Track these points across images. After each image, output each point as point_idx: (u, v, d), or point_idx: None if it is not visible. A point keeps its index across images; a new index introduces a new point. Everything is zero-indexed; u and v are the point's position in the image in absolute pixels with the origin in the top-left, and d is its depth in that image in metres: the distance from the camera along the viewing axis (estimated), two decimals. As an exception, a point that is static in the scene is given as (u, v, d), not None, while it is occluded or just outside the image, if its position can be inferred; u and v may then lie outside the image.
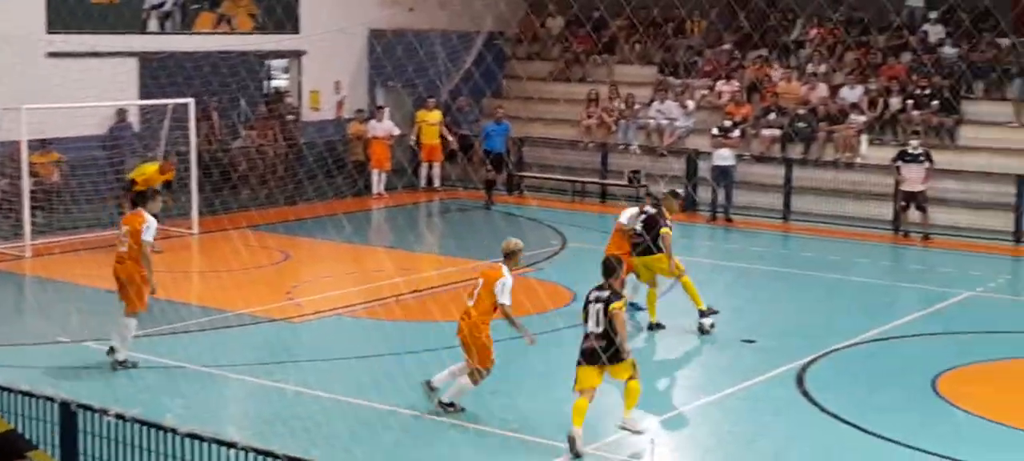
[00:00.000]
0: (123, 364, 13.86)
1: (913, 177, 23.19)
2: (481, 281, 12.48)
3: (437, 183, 28.50)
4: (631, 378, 11.85)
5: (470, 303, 12.42)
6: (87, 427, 8.94)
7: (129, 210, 19.94)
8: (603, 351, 11.54)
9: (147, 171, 20.77)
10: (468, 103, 29.36)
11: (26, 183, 20.82)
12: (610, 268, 12.00)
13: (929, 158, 23.26)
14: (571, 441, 11.35)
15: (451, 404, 12.43)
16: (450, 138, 28.40)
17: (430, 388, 12.50)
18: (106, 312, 16.69)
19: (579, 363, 11.61)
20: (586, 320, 11.70)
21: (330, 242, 21.06)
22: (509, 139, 27.81)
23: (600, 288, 11.84)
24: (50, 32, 23.44)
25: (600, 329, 11.55)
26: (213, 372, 13.86)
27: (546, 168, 28.15)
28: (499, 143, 27.33)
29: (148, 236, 14.14)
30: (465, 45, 29.23)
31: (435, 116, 28.26)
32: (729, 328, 15.84)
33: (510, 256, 12.68)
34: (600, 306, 11.62)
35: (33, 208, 21.20)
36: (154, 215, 14.35)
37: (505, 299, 12.35)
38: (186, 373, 13.80)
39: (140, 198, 14.74)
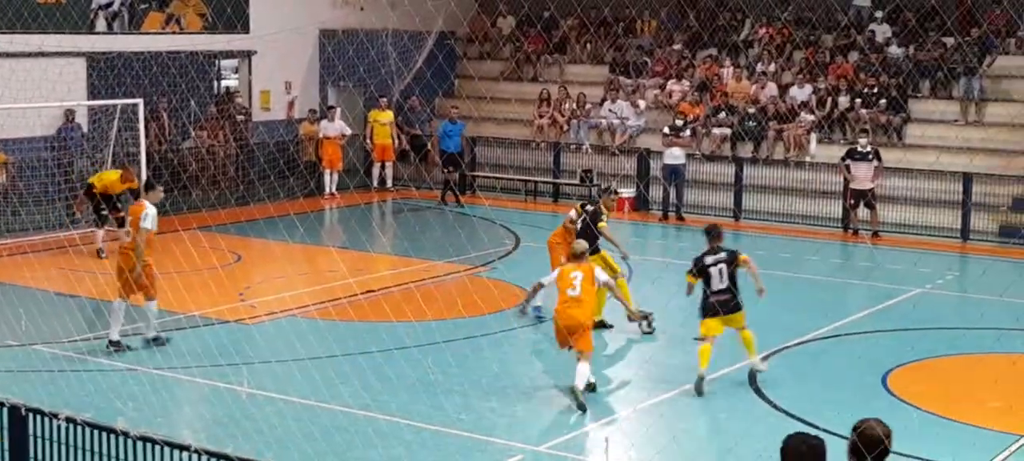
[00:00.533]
0: (158, 341, 14.71)
1: (862, 175, 23.40)
2: (580, 274, 13.20)
3: (389, 183, 28.46)
4: (744, 328, 13.64)
5: (574, 294, 13.04)
6: (38, 431, 8.86)
7: (84, 213, 19.90)
8: (725, 305, 13.44)
9: (107, 178, 20.56)
10: (420, 103, 29.33)
11: (-26, 186, 20.58)
12: (716, 233, 13.96)
13: (878, 156, 23.48)
14: (699, 380, 13.16)
15: (591, 386, 13.10)
16: (400, 139, 28.37)
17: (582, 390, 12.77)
18: (55, 315, 16.54)
19: (705, 317, 13.51)
20: (706, 280, 13.50)
21: (282, 243, 20.91)
22: (464, 138, 27.82)
23: (713, 252, 13.73)
24: (-4, 32, 23.19)
25: (724, 285, 13.41)
26: (165, 374, 13.76)
27: (499, 168, 28.18)
28: (455, 143, 27.32)
29: (146, 224, 14.61)
30: (416, 45, 29.19)
31: (387, 116, 28.22)
32: (682, 326, 15.90)
33: (582, 255, 13.65)
34: (722, 265, 13.52)
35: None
36: (155, 205, 14.95)
37: (604, 277, 13.91)
38: (138, 376, 13.69)
39: (146, 187, 15.68)
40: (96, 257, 19.96)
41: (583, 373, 12.81)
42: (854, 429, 6.65)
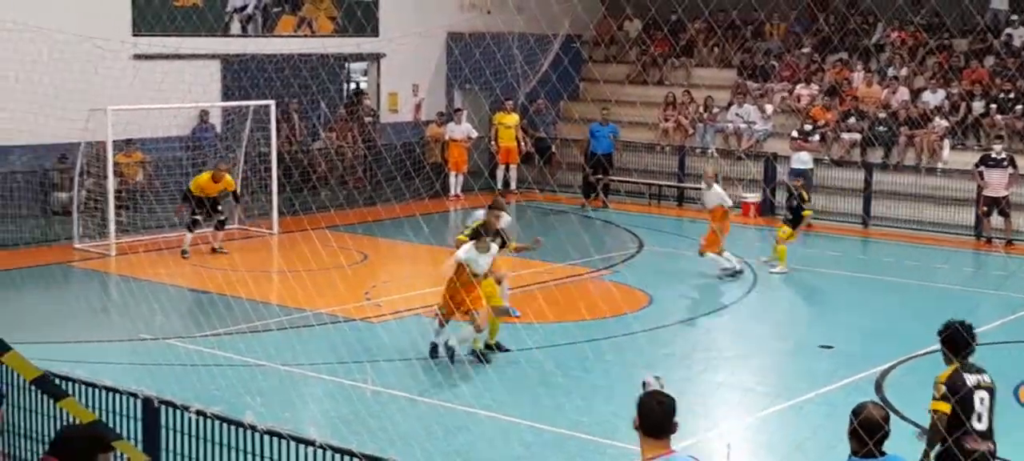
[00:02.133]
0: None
1: (996, 182, 22.84)
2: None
3: (513, 185, 28.57)
4: None
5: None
6: (169, 423, 9.09)
7: (181, 216, 20.46)
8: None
9: (200, 181, 21.11)
10: (545, 106, 29.40)
11: (111, 183, 21.20)
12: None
13: (1013, 163, 22.89)
14: None
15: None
16: (525, 141, 28.44)
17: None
18: (188, 311, 17.00)
19: None
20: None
21: (408, 243, 21.18)
22: (617, 140, 27.72)
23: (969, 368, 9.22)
24: (135, 34, 23.85)
25: (985, 426, 9.05)
26: (292, 370, 14.03)
27: (623, 171, 28.10)
28: (606, 144, 27.28)
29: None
30: (542, 48, 29.26)
31: (512, 119, 28.34)
32: (807, 333, 15.73)
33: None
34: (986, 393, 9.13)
35: (117, 207, 21.59)
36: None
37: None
38: (266, 371, 13.98)
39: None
40: (182, 257, 20.57)
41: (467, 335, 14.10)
42: (854, 413, 6.69)
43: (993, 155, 23.07)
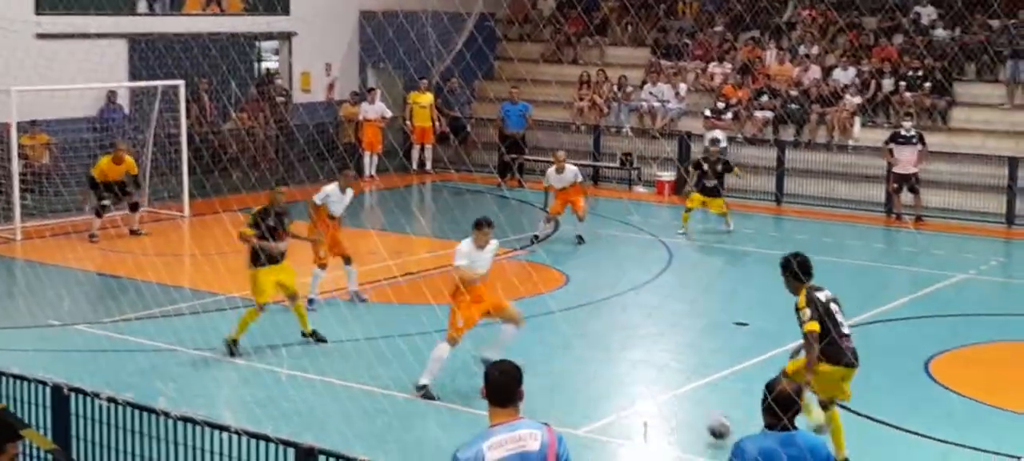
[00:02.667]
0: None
1: (906, 159, 23.17)
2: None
3: (428, 165, 28.44)
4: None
5: None
6: (79, 410, 8.91)
7: (88, 202, 20.17)
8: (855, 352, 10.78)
9: (101, 165, 20.74)
10: (459, 85, 29.29)
11: (16, 165, 20.74)
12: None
13: (922, 140, 23.24)
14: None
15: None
16: (440, 121, 28.32)
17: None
18: (97, 296, 16.68)
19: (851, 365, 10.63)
20: (838, 321, 10.68)
21: (322, 224, 20.95)
22: (529, 118, 27.66)
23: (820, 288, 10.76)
24: (39, 13, 23.36)
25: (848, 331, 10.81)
26: (206, 355, 13.82)
27: (538, 150, 28.07)
28: (518, 123, 27.21)
29: (316, 198, 16.54)
30: (456, 26, 29.15)
31: (427, 98, 28.20)
32: (722, 311, 15.83)
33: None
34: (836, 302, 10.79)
35: (23, 191, 21.12)
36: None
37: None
38: (178, 356, 13.76)
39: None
40: (108, 238, 20.30)
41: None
42: (767, 388, 6.85)
43: (903, 132, 23.40)
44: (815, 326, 10.41)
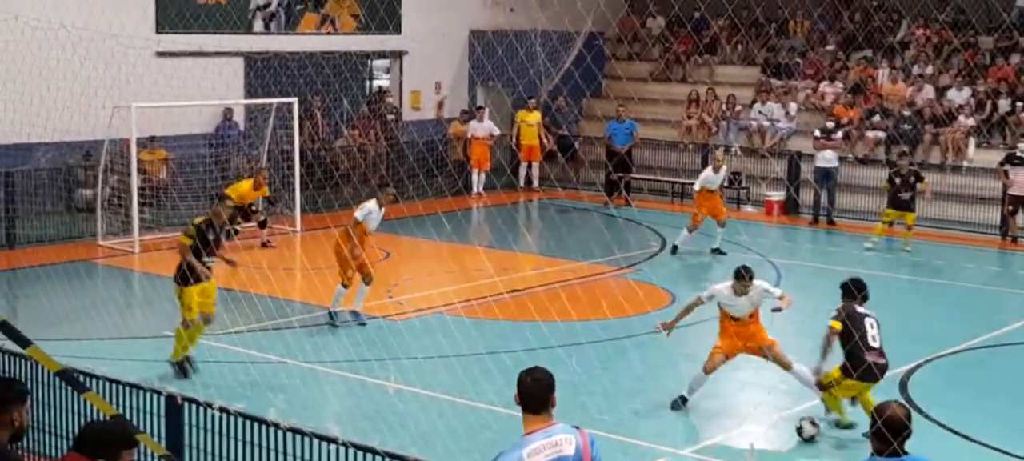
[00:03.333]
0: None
1: (1021, 181, 22.68)
2: None
3: (536, 183, 28.54)
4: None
5: None
6: (192, 420, 9.11)
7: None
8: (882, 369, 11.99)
9: (240, 189, 21.14)
10: (567, 103, 29.36)
11: (135, 180, 21.27)
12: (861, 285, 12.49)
13: None
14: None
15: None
16: (548, 139, 28.40)
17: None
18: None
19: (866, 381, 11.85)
20: (866, 332, 11.83)
21: (430, 241, 21.18)
22: (636, 137, 27.63)
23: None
24: (159, 32, 23.92)
25: (878, 345, 11.96)
26: (315, 368, 14.04)
27: (645, 169, 28.03)
28: (624, 141, 27.20)
29: (358, 214, 16.19)
30: (565, 45, 29.24)
31: (534, 117, 28.31)
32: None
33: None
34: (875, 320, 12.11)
35: (141, 205, 21.66)
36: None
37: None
38: (289, 369, 13.99)
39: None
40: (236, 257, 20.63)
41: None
42: (876, 412, 6.73)
43: (1018, 153, 22.91)
44: (837, 324, 11.85)
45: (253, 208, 21.54)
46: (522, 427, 6.49)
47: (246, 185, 21.28)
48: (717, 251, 21.07)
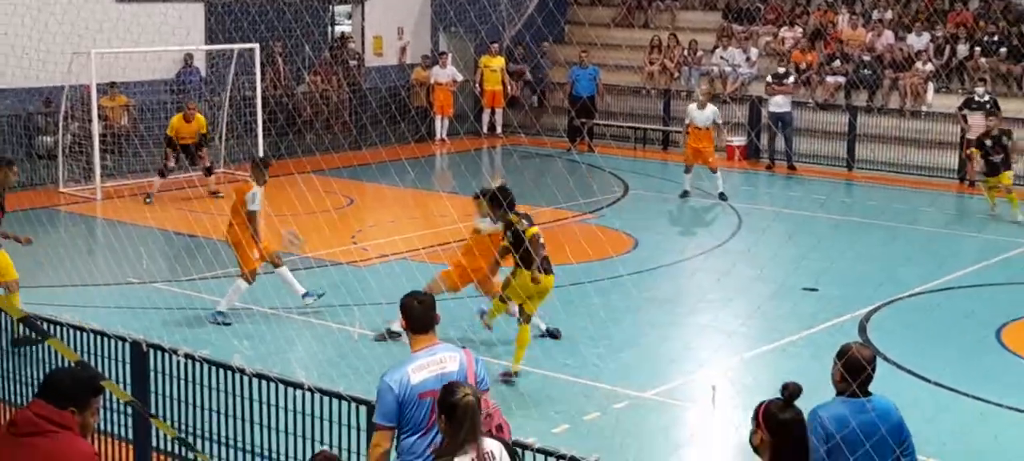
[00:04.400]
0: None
1: (979, 124, 22.89)
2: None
3: (499, 129, 28.55)
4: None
5: None
6: (158, 366, 9.15)
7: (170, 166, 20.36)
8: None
9: (174, 124, 21.13)
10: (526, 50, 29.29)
11: (96, 127, 21.14)
12: None
13: (996, 106, 22.94)
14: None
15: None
16: (510, 86, 28.40)
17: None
18: (175, 255, 17.03)
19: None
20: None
21: (394, 187, 21.18)
22: (599, 83, 27.60)
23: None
24: (118, -23, 23.70)
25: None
26: (280, 314, 14.09)
27: (608, 115, 28.09)
28: (588, 87, 27.19)
29: (253, 206, 13.93)
30: (528, -10, 29.18)
31: (498, 62, 28.27)
32: (791, 276, 15.80)
33: None
34: None
35: (102, 151, 21.56)
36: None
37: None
38: (253, 315, 14.03)
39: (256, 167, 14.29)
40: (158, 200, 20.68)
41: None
42: (838, 355, 6.82)
43: (976, 98, 23.12)
44: (535, 229, 11.92)
45: (199, 150, 21.29)
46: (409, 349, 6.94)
47: (176, 119, 21.20)
48: (722, 196, 21.30)
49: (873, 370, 6.84)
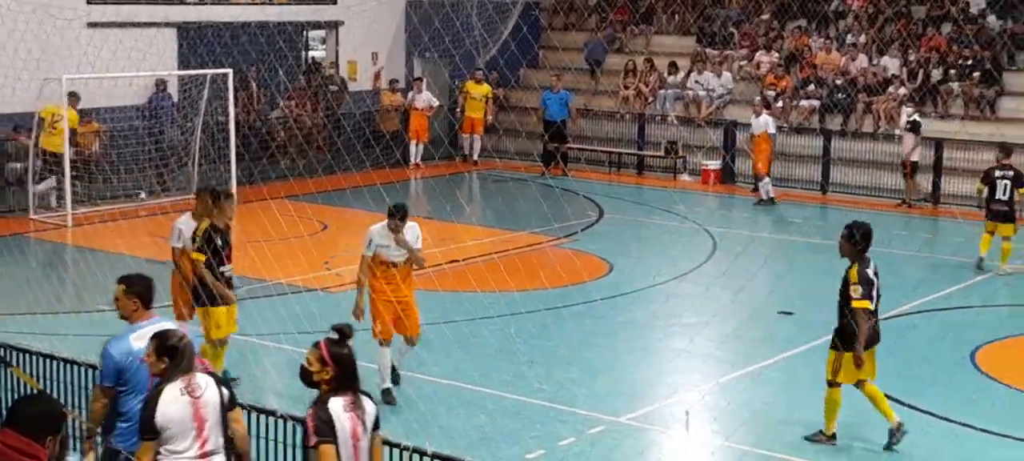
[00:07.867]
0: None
1: (908, 145, 23.25)
2: None
3: (476, 156, 28.47)
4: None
5: None
6: (128, 394, 9.00)
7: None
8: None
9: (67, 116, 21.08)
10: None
11: (67, 153, 20.99)
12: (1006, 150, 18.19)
13: (916, 128, 23.21)
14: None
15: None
16: (492, 114, 28.29)
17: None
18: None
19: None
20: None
21: (368, 212, 21.06)
22: (572, 107, 27.56)
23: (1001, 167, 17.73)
24: (90, 3, 23.58)
25: (1006, 196, 17.44)
26: (252, 340, 13.96)
27: (583, 139, 28.08)
28: (559, 111, 27.15)
29: (175, 242, 12.92)
30: (501, 15, 29.16)
31: (483, 90, 28.19)
32: (767, 300, 15.79)
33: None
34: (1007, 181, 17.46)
35: (73, 178, 21.38)
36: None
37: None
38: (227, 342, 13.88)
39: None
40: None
41: None
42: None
43: (907, 119, 23.57)
44: (867, 304, 10.79)
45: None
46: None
47: (71, 115, 21.14)
48: (763, 202, 23.38)
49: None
